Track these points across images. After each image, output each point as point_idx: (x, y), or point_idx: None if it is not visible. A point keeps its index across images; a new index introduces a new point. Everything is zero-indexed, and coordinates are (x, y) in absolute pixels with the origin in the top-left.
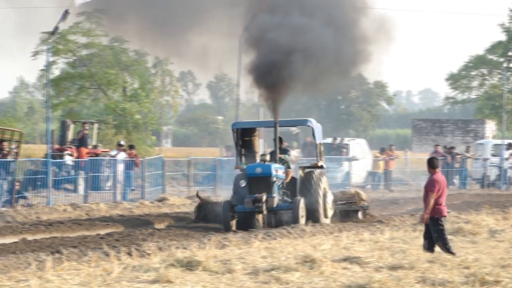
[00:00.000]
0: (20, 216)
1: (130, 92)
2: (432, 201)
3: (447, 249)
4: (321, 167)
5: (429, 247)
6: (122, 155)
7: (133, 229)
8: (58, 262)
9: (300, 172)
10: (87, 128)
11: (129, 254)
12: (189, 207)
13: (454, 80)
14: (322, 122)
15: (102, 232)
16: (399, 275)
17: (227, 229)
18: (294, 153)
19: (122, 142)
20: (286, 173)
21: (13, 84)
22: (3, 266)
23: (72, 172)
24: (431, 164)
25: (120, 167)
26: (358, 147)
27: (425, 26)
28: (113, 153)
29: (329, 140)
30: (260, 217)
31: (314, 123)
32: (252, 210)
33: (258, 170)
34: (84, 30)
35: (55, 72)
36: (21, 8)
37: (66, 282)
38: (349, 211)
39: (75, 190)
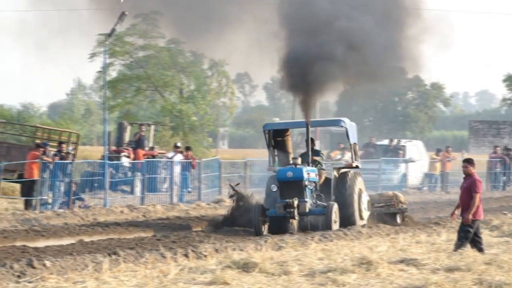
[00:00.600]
0: (77, 217)
1: (186, 94)
2: (478, 202)
3: (457, 247)
4: (356, 167)
5: (477, 248)
6: (178, 157)
7: (189, 231)
8: (115, 264)
9: (335, 173)
10: (143, 129)
11: (186, 255)
12: None
13: None
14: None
15: (159, 233)
16: (456, 277)
17: (258, 233)
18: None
19: (179, 144)
20: (319, 175)
21: (70, 86)
22: (60, 268)
23: (129, 174)
24: (472, 163)
25: (177, 169)
26: (414, 148)
27: (483, 28)
28: (170, 154)
29: (385, 142)
30: (294, 221)
31: (347, 123)
32: (284, 215)
33: (289, 174)
34: (141, 32)
35: (112, 74)
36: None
37: (122, 283)
38: (387, 214)
39: (131, 192)
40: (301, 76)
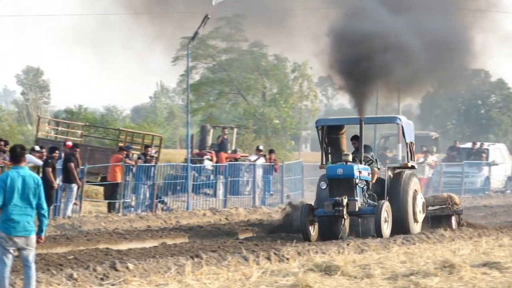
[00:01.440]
0: (160, 220)
1: (269, 97)
2: None
3: None
4: (412, 167)
5: None
6: (261, 160)
7: (272, 234)
8: (197, 267)
9: (389, 173)
10: (226, 133)
11: (268, 258)
12: None
13: None
14: (461, 127)
15: (241, 236)
16: None
17: (305, 234)
18: (433, 158)
19: (261, 147)
20: (372, 174)
21: (154, 89)
22: (143, 270)
23: (212, 177)
24: None
25: (259, 172)
26: (497, 151)
27: None
28: (252, 158)
29: (468, 145)
30: (346, 222)
31: (404, 121)
32: (332, 214)
33: (339, 171)
34: (224, 35)
35: (195, 77)
36: (161, 14)
37: (205, 286)
38: (442, 216)
39: (214, 195)
40: (358, 64)
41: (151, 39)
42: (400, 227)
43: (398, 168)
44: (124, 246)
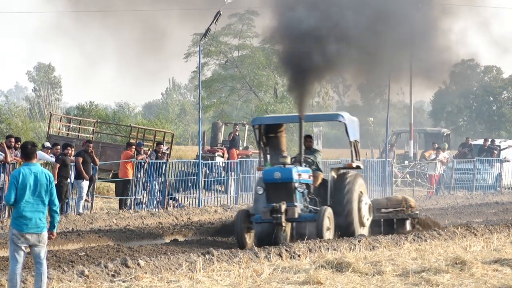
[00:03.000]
0: (171, 217)
1: (280, 94)
2: None
3: None
4: (357, 167)
5: None
6: None
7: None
8: (208, 263)
9: (333, 174)
10: (238, 129)
11: (279, 255)
12: None
13: None
14: (473, 124)
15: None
16: None
17: (241, 243)
18: (445, 155)
19: None
20: (315, 177)
21: (166, 85)
22: (154, 267)
23: (223, 174)
24: None
25: None
26: (510, 148)
27: None
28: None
29: (480, 141)
30: (288, 228)
31: (347, 118)
32: (270, 221)
33: (277, 174)
34: (236, 32)
35: (207, 74)
36: (173, 10)
37: (216, 283)
38: (396, 220)
39: (225, 191)
40: (293, 66)
41: (164, 35)
42: (345, 232)
43: (342, 168)
44: (135, 243)
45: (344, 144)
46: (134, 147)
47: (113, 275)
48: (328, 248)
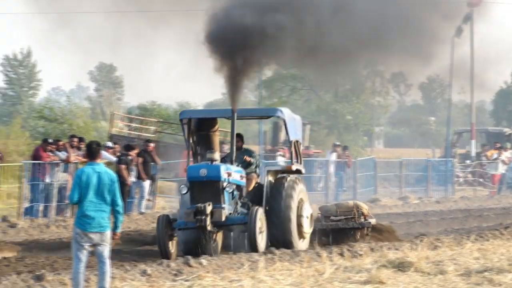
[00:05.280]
0: None
1: (341, 93)
2: None
3: None
4: (297, 171)
5: None
6: (333, 156)
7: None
8: (270, 263)
9: (270, 178)
10: None
11: (341, 254)
12: (400, 208)
13: None
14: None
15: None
16: None
17: (163, 252)
18: (507, 154)
19: (338, 143)
20: (249, 179)
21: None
22: (216, 266)
23: None
24: None
25: (332, 168)
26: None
27: None
28: (329, 154)
29: None
30: (219, 237)
31: (286, 114)
32: (193, 226)
33: (203, 172)
34: None
35: (268, 73)
36: None
37: (278, 282)
38: (346, 229)
39: None
40: (230, 43)
41: None
42: (281, 243)
43: (281, 172)
44: None
45: (406, 143)
46: None
47: (175, 274)
48: (390, 248)
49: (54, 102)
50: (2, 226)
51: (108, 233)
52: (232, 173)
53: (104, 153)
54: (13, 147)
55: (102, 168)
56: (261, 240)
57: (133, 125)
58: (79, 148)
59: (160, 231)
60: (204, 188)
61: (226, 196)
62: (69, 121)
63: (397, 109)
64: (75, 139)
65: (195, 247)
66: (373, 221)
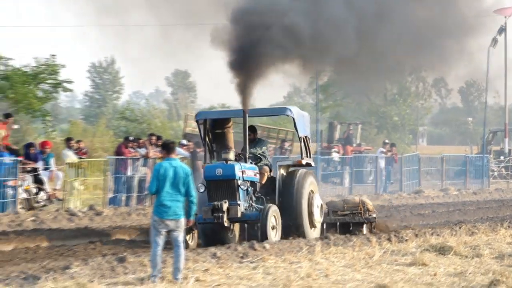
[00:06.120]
0: None
1: (389, 97)
2: None
3: None
4: (308, 165)
5: None
6: (382, 153)
7: (390, 218)
8: (326, 247)
9: (282, 172)
10: (351, 128)
11: (389, 239)
12: (441, 199)
13: None
14: None
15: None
16: None
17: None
18: None
19: (386, 141)
20: (262, 173)
21: (287, 90)
22: (278, 250)
23: (339, 167)
24: None
25: (381, 163)
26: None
27: None
28: (379, 150)
29: None
30: (236, 228)
31: (295, 112)
32: (211, 222)
33: (218, 171)
34: None
35: (324, 79)
36: None
37: (333, 264)
38: (353, 223)
39: (341, 183)
40: (244, 47)
41: None
42: (294, 232)
43: (292, 166)
44: None
45: (447, 141)
46: None
47: (241, 257)
48: (432, 234)
49: (135, 105)
50: (89, 214)
51: (182, 220)
52: (246, 171)
53: (178, 149)
54: (98, 144)
55: (178, 163)
56: (274, 236)
57: None
58: (157, 145)
59: None
60: (220, 186)
61: (241, 193)
62: (148, 121)
63: (438, 110)
64: (154, 137)
65: (215, 238)
66: (374, 215)
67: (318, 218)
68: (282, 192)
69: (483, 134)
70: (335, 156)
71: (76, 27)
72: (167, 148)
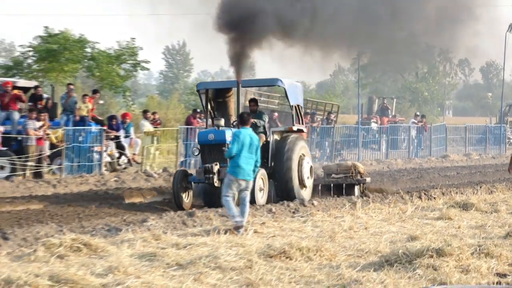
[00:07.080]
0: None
1: (420, 75)
2: None
3: None
4: (299, 131)
5: None
6: (414, 123)
7: (421, 180)
8: (365, 204)
9: (276, 137)
10: (387, 102)
11: (420, 197)
12: (465, 162)
13: None
14: None
15: (398, 183)
16: None
17: (177, 202)
18: None
19: (418, 113)
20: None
21: (333, 68)
22: (324, 206)
23: (377, 136)
24: None
25: (413, 132)
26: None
27: None
28: (411, 121)
29: None
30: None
31: (286, 83)
32: (203, 182)
33: (211, 136)
34: None
35: (364, 60)
36: None
37: (372, 218)
38: (345, 185)
39: (378, 149)
40: (230, 25)
41: None
42: (286, 192)
43: (284, 132)
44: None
45: (470, 113)
46: (309, 116)
47: (293, 212)
48: (457, 193)
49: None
50: (163, 175)
51: (251, 182)
52: None
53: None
54: (171, 115)
55: (251, 132)
56: (261, 197)
57: (262, 98)
58: None
59: (176, 183)
60: (212, 150)
61: None
62: None
63: (463, 87)
64: None
65: (212, 197)
66: (368, 179)
67: (307, 178)
68: (275, 155)
69: (500, 107)
70: (374, 126)
71: (151, 15)
72: (243, 119)
